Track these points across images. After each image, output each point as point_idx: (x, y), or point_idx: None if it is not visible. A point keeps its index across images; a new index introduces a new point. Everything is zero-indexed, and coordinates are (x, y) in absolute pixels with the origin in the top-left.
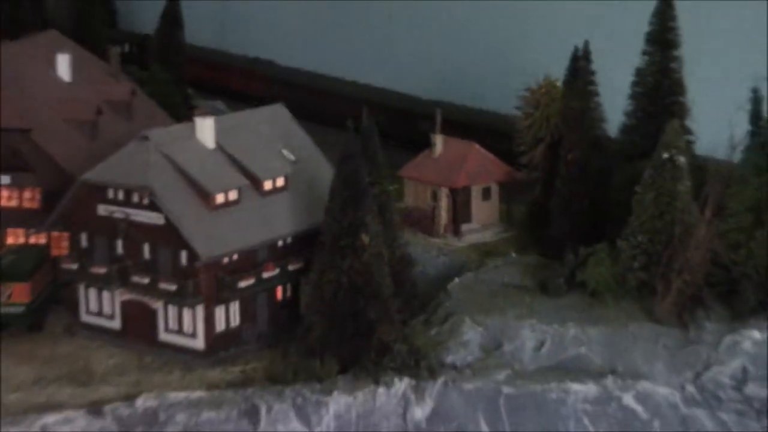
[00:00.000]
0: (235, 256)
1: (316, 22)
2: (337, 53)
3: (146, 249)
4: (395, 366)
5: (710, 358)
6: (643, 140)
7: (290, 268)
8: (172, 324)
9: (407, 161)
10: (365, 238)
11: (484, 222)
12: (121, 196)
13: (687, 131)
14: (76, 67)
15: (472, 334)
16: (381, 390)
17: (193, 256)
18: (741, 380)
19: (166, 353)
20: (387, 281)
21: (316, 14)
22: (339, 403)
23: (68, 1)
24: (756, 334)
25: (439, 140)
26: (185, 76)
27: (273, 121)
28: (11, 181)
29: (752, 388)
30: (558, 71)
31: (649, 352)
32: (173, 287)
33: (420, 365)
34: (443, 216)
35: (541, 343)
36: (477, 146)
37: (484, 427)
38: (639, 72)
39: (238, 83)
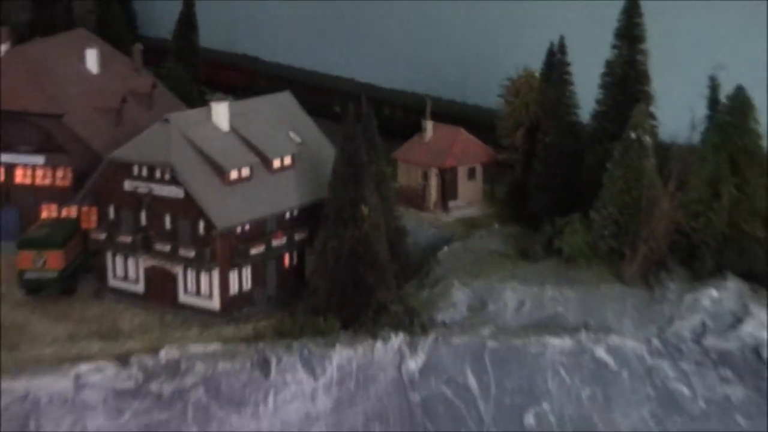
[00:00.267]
0: (247, 226)
1: (301, 20)
2: (322, 50)
3: (167, 220)
4: (391, 323)
5: (673, 315)
6: (613, 125)
7: (296, 237)
8: (191, 287)
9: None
10: (365, 211)
11: (469, 199)
12: (144, 172)
13: (652, 117)
14: (102, 61)
15: (459, 295)
16: (379, 344)
17: (209, 225)
18: (700, 334)
19: (185, 313)
20: (384, 249)
21: (301, 12)
22: (341, 355)
23: (94, 5)
24: (713, 293)
25: (429, 126)
26: (199, 73)
27: (281, 107)
28: (45, 162)
29: (710, 341)
30: (536, 65)
31: (618, 310)
32: (192, 254)
33: (413, 323)
34: (433, 194)
35: (522, 303)
36: (463, 131)
37: (470, 377)
38: (609, 64)
39: (227, 77)
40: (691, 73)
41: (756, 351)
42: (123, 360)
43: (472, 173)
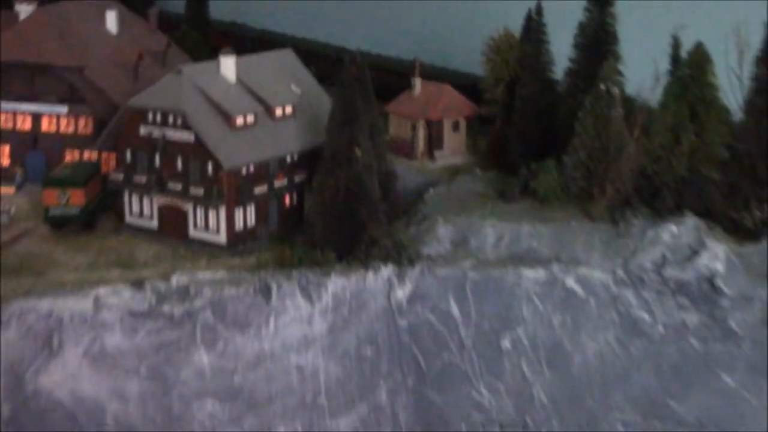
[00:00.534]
0: (252, 168)
1: None
2: (308, 16)
3: (179, 162)
4: (382, 256)
5: (636, 248)
6: (584, 81)
7: (296, 179)
8: (200, 223)
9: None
10: (358, 152)
11: (453, 150)
12: (158, 118)
13: (619, 73)
14: (121, 22)
15: (443, 231)
16: (370, 275)
17: (217, 166)
18: (660, 265)
19: (195, 247)
20: (375, 189)
21: None
22: (336, 284)
23: None
24: (673, 228)
25: (417, 82)
26: (209, 38)
27: (283, 62)
28: (69, 111)
29: (669, 272)
30: (516, 30)
31: (586, 244)
32: (201, 192)
33: (402, 256)
34: (420, 144)
35: (500, 238)
36: (449, 87)
37: (453, 305)
38: (581, 26)
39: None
40: (655, 33)
41: (710, 281)
42: (138, 284)
43: (456, 126)
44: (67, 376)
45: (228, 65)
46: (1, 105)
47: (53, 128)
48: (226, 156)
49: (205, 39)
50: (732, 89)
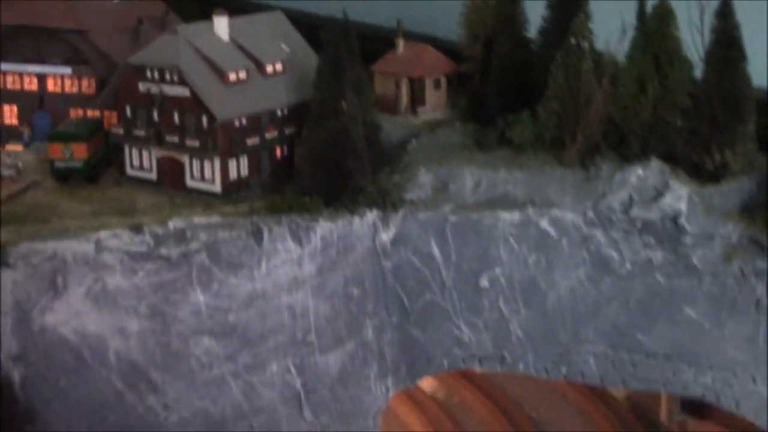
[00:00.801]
0: (244, 121)
1: None
2: None
3: (176, 116)
4: (367, 202)
5: (605, 191)
6: (556, 38)
7: (286, 132)
8: (196, 173)
9: None
10: (344, 105)
11: (435, 106)
12: (156, 75)
13: (589, 30)
14: None
15: (425, 178)
16: (356, 219)
17: (211, 119)
18: (627, 206)
19: (192, 196)
20: (361, 139)
21: None
22: (324, 228)
23: None
24: (639, 172)
25: (400, 43)
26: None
27: (273, 23)
28: (72, 72)
29: (635, 212)
30: None
31: (559, 188)
32: (197, 144)
33: (386, 201)
34: (404, 100)
35: (478, 184)
36: (430, 47)
37: (434, 247)
38: None
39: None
40: None
41: (674, 220)
42: (137, 228)
43: (437, 83)
44: (71, 314)
45: (221, 25)
46: (9, 67)
47: (58, 89)
48: (219, 109)
49: (201, 9)
50: (694, 42)
